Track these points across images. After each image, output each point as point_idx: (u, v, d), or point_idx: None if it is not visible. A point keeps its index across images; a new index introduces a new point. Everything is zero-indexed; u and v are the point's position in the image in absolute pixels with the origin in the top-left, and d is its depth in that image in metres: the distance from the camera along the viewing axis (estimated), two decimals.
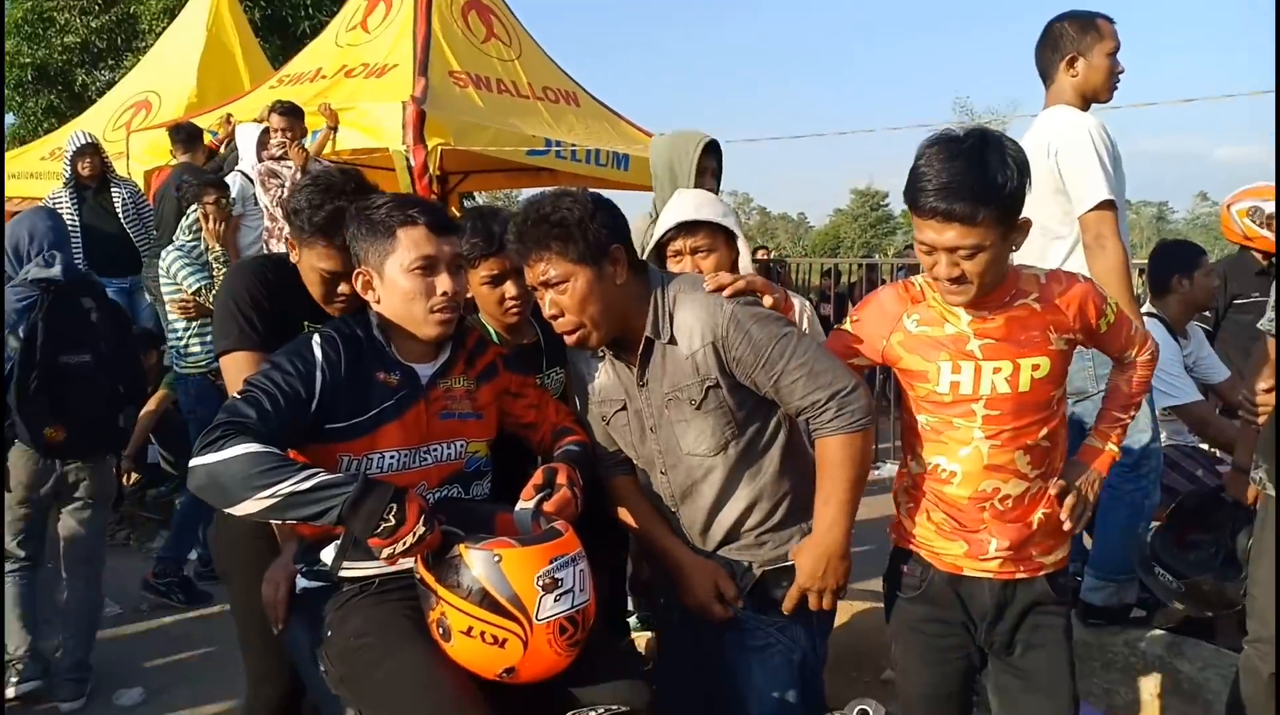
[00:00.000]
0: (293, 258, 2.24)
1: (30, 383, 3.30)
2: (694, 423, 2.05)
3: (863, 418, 1.97)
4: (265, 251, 5.33)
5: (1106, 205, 2.77)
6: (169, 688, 3.65)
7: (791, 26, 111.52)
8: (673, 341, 2.03)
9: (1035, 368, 1.91)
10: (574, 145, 7.31)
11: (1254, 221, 4.15)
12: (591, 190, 2.09)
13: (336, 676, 1.90)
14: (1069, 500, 1.98)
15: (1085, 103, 2.97)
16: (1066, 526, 1.98)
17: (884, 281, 10.43)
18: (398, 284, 1.98)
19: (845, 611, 3.43)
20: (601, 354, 2.14)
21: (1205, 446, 3.74)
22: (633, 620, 3.44)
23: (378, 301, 2.03)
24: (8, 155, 10.17)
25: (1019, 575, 2.00)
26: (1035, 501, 1.98)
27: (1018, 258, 3.17)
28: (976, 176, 1.77)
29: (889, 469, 6.06)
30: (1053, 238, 2.92)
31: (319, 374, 1.92)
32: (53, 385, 3.38)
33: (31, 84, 15.24)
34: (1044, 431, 1.95)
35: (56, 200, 6.20)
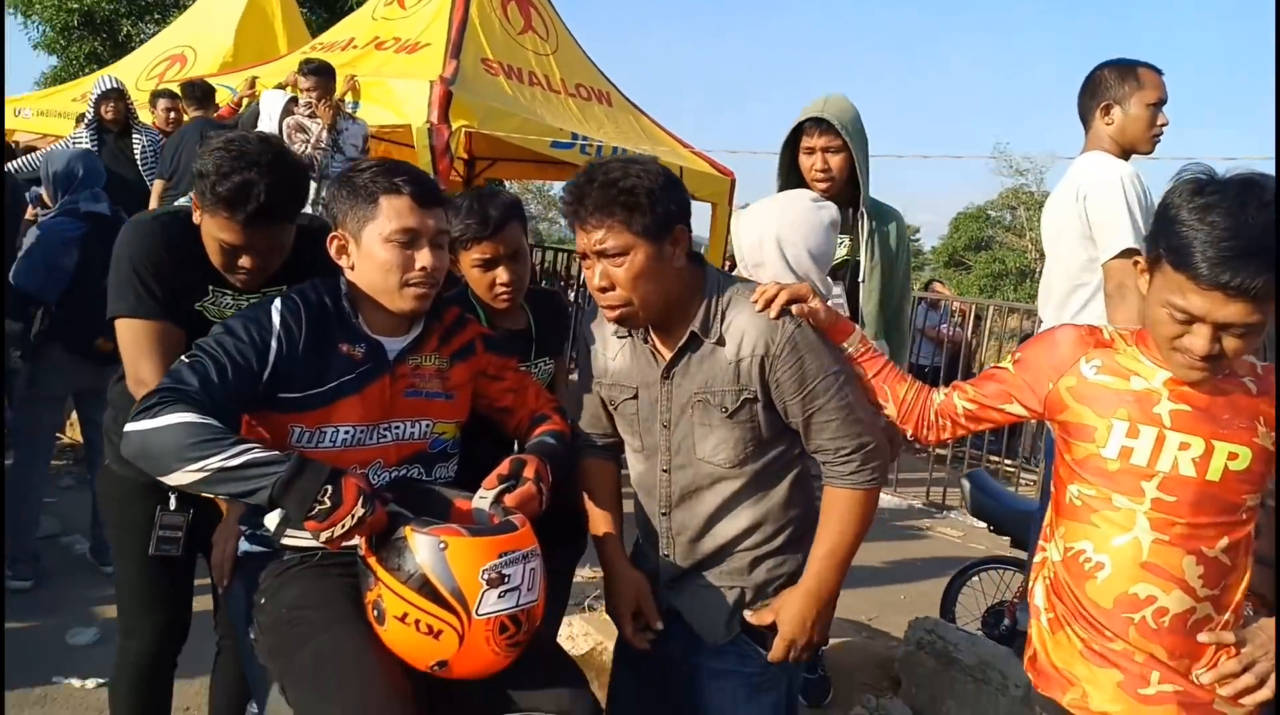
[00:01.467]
0: (195, 218, 2.05)
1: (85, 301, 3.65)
2: (718, 430, 1.92)
3: (880, 476, 1.90)
4: None
5: (1131, 254, 2.65)
6: None
7: (830, 40, 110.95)
8: (720, 342, 1.89)
9: (1232, 457, 1.55)
10: (600, 142, 7.25)
11: None
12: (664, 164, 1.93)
13: (265, 646, 1.81)
14: (1230, 665, 1.57)
15: (1123, 152, 2.86)
16: (1225, 692, 1.57)
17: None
18: (374, 253, 1.87)
19: None
20: (625, 334, 2.01)
21: None
22: None
23: (351, 268, 1.92)
24: (41, 93, 10.20)
25: None
26: (1206, 634, 1.60)
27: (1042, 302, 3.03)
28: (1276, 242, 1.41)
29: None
30: (1075, 284, 2.81)
31: (274, 343, 1.82)
32: (99, 305, 3.75)
33: (77, 29, 15.32)
34: (1224, 541, 1.56)
35: (76, 140, 6.15)
